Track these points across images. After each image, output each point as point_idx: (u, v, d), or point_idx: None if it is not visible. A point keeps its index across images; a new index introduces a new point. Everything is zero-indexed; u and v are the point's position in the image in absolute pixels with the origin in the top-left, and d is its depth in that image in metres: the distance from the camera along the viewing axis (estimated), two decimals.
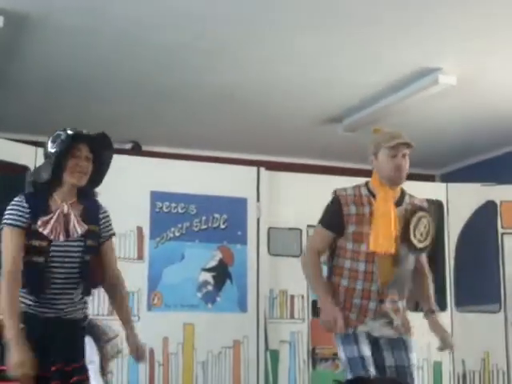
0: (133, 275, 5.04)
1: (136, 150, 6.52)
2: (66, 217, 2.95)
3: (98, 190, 3.17)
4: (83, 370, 2.96)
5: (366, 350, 3.43)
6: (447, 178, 7.06)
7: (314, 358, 5.43)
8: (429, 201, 3.75)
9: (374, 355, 3.45)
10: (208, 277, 5.22)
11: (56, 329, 2.91)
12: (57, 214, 2.93)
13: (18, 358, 2.71)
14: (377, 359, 3.45)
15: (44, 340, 2.86)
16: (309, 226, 5.58)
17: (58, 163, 2.93)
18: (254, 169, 5.45)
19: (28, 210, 2.91)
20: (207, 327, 5.07)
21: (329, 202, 3.59)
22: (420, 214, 3.54)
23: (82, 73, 5.16)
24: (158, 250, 5.15)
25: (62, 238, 2.92)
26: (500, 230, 5.50)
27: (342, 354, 3.50)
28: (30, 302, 2.90)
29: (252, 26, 4.45)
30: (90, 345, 3.18)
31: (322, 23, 4.43)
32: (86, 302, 3.07)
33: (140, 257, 5.13)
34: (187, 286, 5.13)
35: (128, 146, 6.61)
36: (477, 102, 5.80)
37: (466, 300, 5.56)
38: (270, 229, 5.39)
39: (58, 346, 2.88)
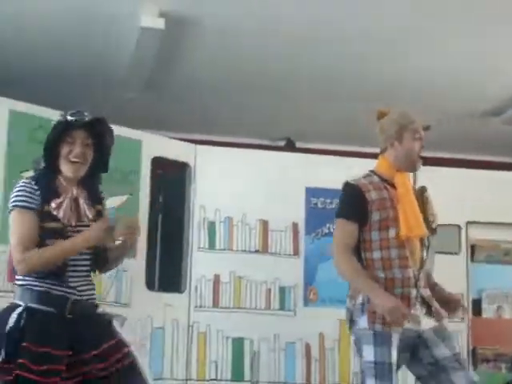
0: (289, 271, 5.12)
1: (290, 147, 6.57)
2: (75, 201, 2.86)
3: None
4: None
5: (395, 356, 3.16)
6: None
7: (476, 359, 5.27)
8: None
9: (419, 355, 3.24)
10: None
11: (82, 312, 2.82)
12: (68, 198, 2.84)
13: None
14: (425, 357, 3.22)
15: (75, 323, 2.77)
16: (468, 222, 5.44)
17: (50, 151, 2.85)
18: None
19: (38, 192, 2.80)
20: None
21: (344, 192, 3.35)
22: (426, 194, 3.42)
23: (237, 74, 5.27)
24: (314, 246, 5.17)
25: (73, 222, 2.83)
26: None
27: (368, 354, 3.19)
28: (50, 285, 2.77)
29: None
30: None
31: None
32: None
33: (296, 252, 5.17)
34: (343, 281, 5.10)
35: (282, 143, 6.69)
36: None
37: None
38: None
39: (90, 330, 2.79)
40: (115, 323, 2.90)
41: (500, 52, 4.84)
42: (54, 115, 4.11)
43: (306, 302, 5.12)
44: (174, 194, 5.24)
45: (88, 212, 2.89)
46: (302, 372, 5.04)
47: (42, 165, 2.92)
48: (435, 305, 3.31)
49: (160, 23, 4.34)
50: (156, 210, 5.07)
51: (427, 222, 3.35)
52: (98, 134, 2.92)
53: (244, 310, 5.05)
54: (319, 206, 5.22)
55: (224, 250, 5.11)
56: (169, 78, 5.37)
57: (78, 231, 2.82)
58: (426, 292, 3.33)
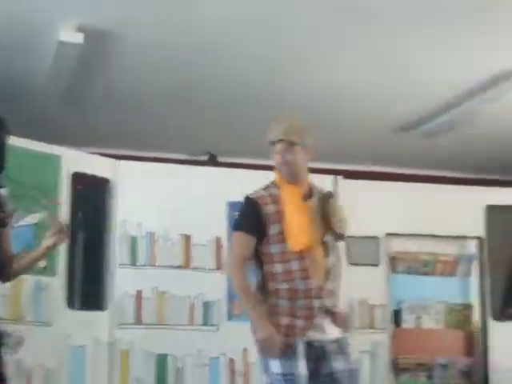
0: (212, 285, 5.10)
1: (212, 161, 6.58)
2: None
3: None
4: None
5: (304, 368, 3.19)
6: None
7: (397, 368, 5.36)
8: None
9: (319, 364, 3.25)
10: None
11: None
12: None
13: None
14: (324, 367, 3.24)
15: None
16: (387, 234, 5.53)
17: None
18: (331, 177, 5.41)
19: None
20: None
21: (243, 205, 3.38)
22: (332, 200, 3.40)
23: (158, 87, 5.25)
24: None
25: None
26: None
27: (275, 367, 3.22)
28: None
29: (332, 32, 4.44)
30: None
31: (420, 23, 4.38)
32: None
33: (219, 267, 5.16)
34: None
35: (204, 158, 6.68)
36: None
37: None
38: (348, 237, 5.33)
39: None
40: (8, 345, 2.81)
41: (412, 64, 4.95)
42: None
43: (230, 316, 5.11)
44: (95, 209, 5.17)
45: None
46: None
47: None
48: (341, 314, 3.34)
49: (79, 37, 4.27)
50: (76, 227, 4.98)
51: (331, 228, 3.33)
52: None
53: (167, 325, 5.00)
54: None
55: (146, 265, 5.06)
56: (89, 92, 5.30)
57: None
58: (331, 301, 3.31)
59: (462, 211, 5.62)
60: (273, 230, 3.27)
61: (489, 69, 4.97)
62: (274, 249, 3.27)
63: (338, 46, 4.65)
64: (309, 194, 3.39)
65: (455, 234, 5.72)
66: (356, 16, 4.23)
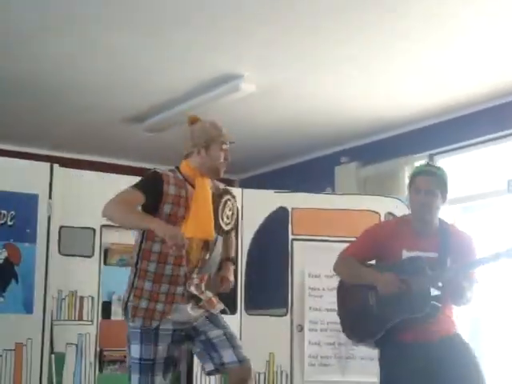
0: None
1: None
2: None
3: None
4: None
5: (163, 352, 3.44)
6: (245, 184, 7.21)
7: (102, 361, 5.31)
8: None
9: (194, 339, 3.52)
10: None
11: None
12: None
13: None
14: (199, 338, 3.50)
15: None
16: (103, 225, 5.47)
17: None
18: (47, 164, 5.23)
19: None
20: None
21: (146, 174, 3.54)
22: (226, 197, 3.62)
23: None
24: None
25: None
26: (290, 237, 5.68)
27: (134, 351, 3.47)
28: None
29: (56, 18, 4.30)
30: None
31: (134, 20, 4.37)
32: None
33: None
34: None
35: None
36: (275, 111, 6.00)
37: (255, 304, 5.70)
38: (61, 227, 5.20)
39: None
40: None
41: (147, 64, 4.99)
42: None
43: None
44: None
45: None
46: None
47: None
48: (207, 296, 3.52)
49: None
50: None
51: (216, 223, 3.50)
52: None
53: None
54: None
55: None
56: None
57: None
58: (198, 289, 3.49)
59: None
60: (166, 209, 3.41)
61: (211, 71, 5.14)
62: None
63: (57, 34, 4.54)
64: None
65: None
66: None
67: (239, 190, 5.75)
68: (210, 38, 4.62)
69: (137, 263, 3.52)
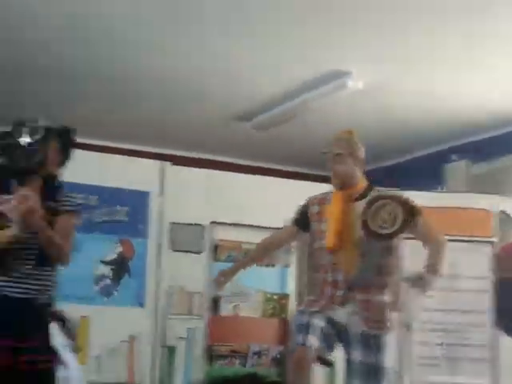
0: None
1: None
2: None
3: None
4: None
5: (318, 321, 3.43)
6: None
7: (210, 355, 5.42)
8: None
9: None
10: (106, 270, 5.12)
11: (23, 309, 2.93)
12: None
13: None
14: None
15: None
16: (212, 222, 5.57)
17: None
18: (158, 162, 5.39)
19: None
20: (103, 321, 4.98)
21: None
22: (379, 202, 3.54)
23: None
24: None
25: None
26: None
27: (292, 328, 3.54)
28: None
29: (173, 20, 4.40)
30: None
31: (249, 22, 4.43)
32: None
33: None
34: (84, 278, 5.02)
35: None
36: (381, 108, 5.93)
37: None
38: (172, 224, 5.34)
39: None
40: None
41: (254, 62, 5.02)
42: None
43: None
44: None
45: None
46: None
47: None
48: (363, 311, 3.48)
49: None
50: None
51: (368, 229, 3.49)
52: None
53: None
54: None
55: None
56: None
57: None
58: (364, 297, 3.49)
59: (286, 204, 5.74)
60: (312, 227, 3.63)
61: (320, 66, 5.13)
62: (315, 244, 3.62)
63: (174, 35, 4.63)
64: (359, 197, 3.58)
65: (277, 226, 5.84)
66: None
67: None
68: (319, 35, 4.61)
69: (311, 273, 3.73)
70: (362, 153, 3.63)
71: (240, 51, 4.88)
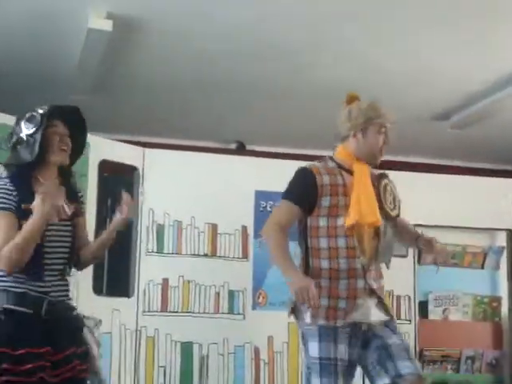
0: (238, 274, 5.10)
1: (240, 150, 6.56)
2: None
3: None
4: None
5: (344, 353, 3.10)
6: None
7: (423, 360, 5.32)
8: None
9: (369, 344, 3.17)
10: None
11: (58, 313, 2.83)
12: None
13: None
14: (375, 343, 3.16)
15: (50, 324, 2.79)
16: (416, 225, 5.47)
17: (39, 144, 2.79)
18: None
19: (15, 193, 2.77)
20: None
21: (295, 174, 3.29)
22: (384, 181, 3.34)
23: (186, 75, 5.23)
24: (262, 249, 5.15)
25: (55, 219, 2.80)
26: None
27: (312, 350, 3.13)
28: (31, 287, 2.78)
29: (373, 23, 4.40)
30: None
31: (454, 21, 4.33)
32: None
33: (245, 256, 5.16)
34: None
35: (232, 146, 6.67)
36: None
37: None
38: None
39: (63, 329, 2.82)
40: (89, 325, 3.01)
41: (451, 59, 4.90)
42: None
43: (255, 305, 5.11)
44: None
45: (67, 209, 2.87)
46: (250, 376, 5.03)
47: (11, 173, 2.87)
48: (384, 298, 3.28)
49: (108, 25, 4.27)
50: (104, 214, 4.99)
51: (383, 209, 3.27)
52: (72, 125, 2.94)
53: (192, 314, 5.01)
54: (268, 209, 5.20)
55: (172, 253, 5.07)
56: (116, 80, 5.31)
57: (57, 229, 2.84)
58: (378, 283, 3.27)
59: (491, 203, 5.55)
60: (325, 202, 3.18)
61: None
62: (322, 222, 3.20)
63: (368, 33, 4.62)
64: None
65: (484, 226, 5.65)
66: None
67: None
68: None
69: (307, 262, 3.27)
70: None
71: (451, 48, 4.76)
